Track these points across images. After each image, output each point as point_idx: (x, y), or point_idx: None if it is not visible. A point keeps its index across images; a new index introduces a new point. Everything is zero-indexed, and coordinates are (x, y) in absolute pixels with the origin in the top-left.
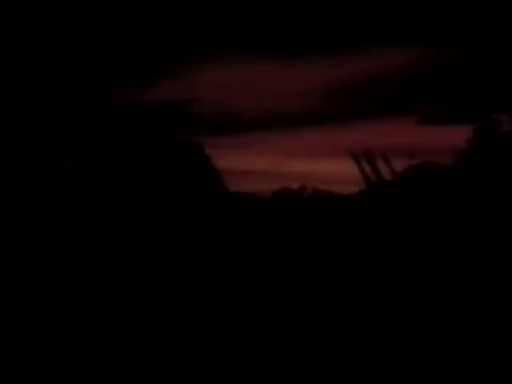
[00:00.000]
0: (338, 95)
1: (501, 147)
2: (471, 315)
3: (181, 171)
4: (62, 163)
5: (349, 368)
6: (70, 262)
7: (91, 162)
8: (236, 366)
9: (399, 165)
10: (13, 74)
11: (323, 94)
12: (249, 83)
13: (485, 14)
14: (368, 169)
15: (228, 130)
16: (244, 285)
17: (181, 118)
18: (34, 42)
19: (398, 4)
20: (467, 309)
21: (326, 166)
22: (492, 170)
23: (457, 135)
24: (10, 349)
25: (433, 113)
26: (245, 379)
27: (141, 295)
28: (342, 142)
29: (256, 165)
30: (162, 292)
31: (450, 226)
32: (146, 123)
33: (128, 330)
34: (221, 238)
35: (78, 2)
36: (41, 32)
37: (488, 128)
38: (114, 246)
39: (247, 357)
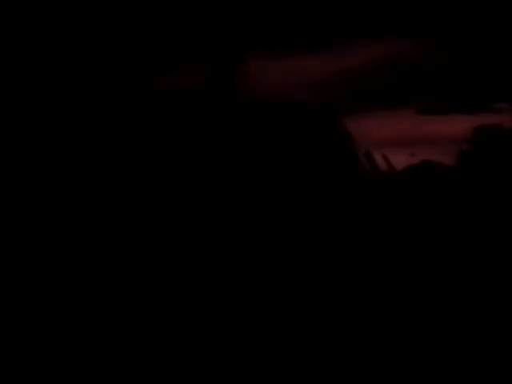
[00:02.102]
0: (338, 88)
1: (501, 147)
2: (471, 315)
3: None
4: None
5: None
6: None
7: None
8: (238, 364)
9: (399, 161)
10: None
11: (322, 87)
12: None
13: (483, 3)
14: (367, 166)
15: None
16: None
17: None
18: (32, 42)
19: None
20: (467, 309)
21: None
22: (492, 169)
23: (457, 125)
24: (9, 349)
25: (432, 103)
26: (245, 379)
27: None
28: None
29: None
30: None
31: (449, 226)
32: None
33: (133, 326)
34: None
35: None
36: (39, 32)
37: (488, 127)
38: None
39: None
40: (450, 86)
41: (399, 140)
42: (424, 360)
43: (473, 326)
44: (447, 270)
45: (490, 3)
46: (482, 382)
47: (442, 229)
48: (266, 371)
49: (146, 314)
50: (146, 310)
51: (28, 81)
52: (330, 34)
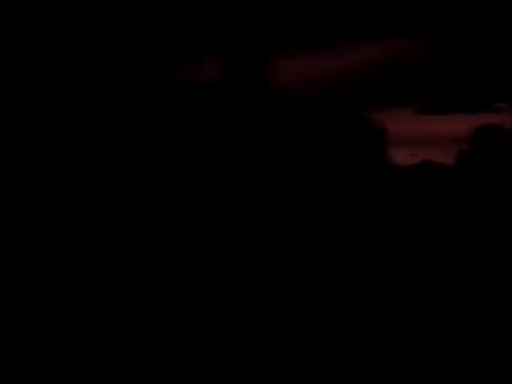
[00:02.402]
0: (337, 85)
1: (501, 147)
2: (471, 314)
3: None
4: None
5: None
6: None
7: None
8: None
9: (399, 161)
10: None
11: (323, 87)
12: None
13: (483, 3)
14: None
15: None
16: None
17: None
18: (33, 38)
19: None
20: (467, 308)
21: None
22: (492, 169)
23: (457, 125)
24: (10, 349)
25: (432, 103)
26: (245, 379)
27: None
28: None
29: None
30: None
31: (449, 225)
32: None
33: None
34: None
35: None
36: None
37: (488, 127)
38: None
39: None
40: (449, 86)
41: (399, 140)
42: (424, 360)
43: (473, 326)
44: (447, 269)
45: (490, 3)
46: (482, 382)
47: (442, 228)
48: (265, 371)
49: (146, 314)
50: (146, 309)
51: (29, 81)
52: (330, 33)
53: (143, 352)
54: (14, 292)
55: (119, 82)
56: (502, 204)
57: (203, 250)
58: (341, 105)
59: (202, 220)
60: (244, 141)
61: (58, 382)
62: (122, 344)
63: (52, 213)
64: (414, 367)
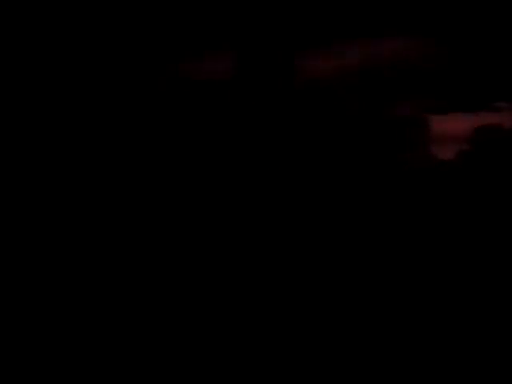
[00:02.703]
0: (337, 85)
1: (501, 147)
2: (471, 314)
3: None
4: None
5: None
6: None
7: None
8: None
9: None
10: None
11: (322, 85)
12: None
13: (483, 3)
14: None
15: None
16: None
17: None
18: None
19: None
20: (466, 308)
21: None
22: (492, 169)
23: (457, 125)
24: (9, 349)
25: (432, 103)
26: (245, 379)
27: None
28: None
29: None
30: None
31: (449, 225)
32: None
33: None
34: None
35: None
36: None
37: (488, 127)
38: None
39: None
40: (449, 86)
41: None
42: (424, 360)
43: (473, 326)
44: (447, 269)
45: (490, 3)
46: (482, 382)
47: (442, 227)
48: (266, 371)
49: (146, 314)
50: (146, 309)
51: (28, 79)
52: (330, 34)
53: (143, 352)
54: (14, 292)
55: (119, 81)
56: (503, 204)
57: (203, 249)
58: (341, 104)
59: (205, 219)
60: (247, 141)
61: (58, 382)
62: (121, 344)
63: (52, 212)
64: (414, 367)
